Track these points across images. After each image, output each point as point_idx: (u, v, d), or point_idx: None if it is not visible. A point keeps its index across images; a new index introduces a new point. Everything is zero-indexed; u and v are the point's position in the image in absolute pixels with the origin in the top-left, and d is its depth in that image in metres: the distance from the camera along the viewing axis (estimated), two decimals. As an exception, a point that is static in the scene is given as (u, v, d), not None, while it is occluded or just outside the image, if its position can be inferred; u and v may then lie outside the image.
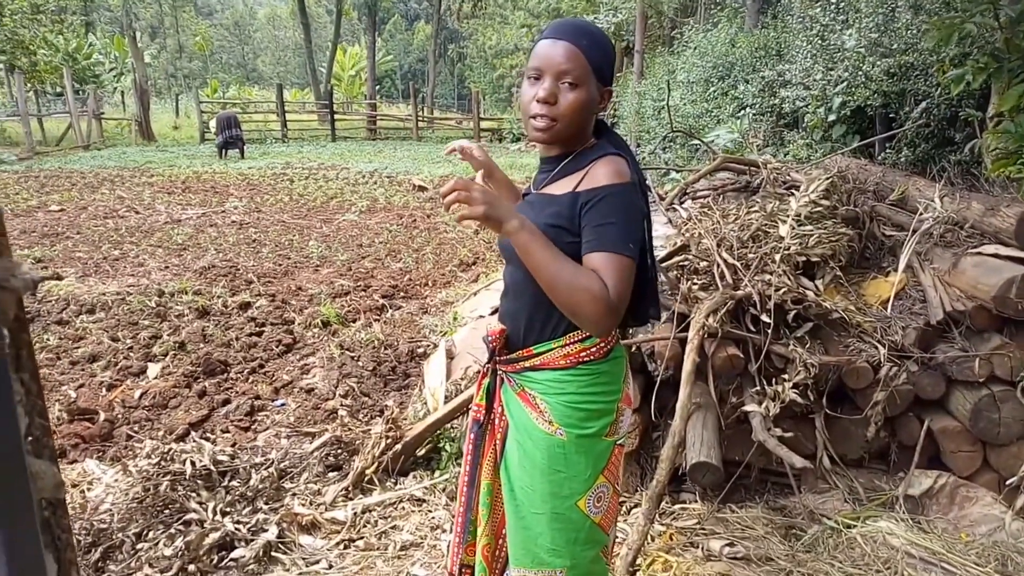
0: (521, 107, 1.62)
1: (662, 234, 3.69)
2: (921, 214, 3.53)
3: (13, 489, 0.40)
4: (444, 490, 3.08)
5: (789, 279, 3.04)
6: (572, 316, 1.47)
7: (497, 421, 1.74)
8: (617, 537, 2.60)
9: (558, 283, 1.42)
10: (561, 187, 1.59)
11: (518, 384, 1.68)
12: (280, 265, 7.09)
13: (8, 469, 0.40)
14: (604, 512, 1.69)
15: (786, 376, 2.81)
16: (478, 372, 1.80)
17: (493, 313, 4.59)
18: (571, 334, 1.60)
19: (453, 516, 2.85)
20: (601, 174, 1.52)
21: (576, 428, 1.60)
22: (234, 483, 2.94)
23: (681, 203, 4.29)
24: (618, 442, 1.70)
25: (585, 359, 1.60)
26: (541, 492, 1.63)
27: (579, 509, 1.63)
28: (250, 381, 4.34)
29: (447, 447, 3.29)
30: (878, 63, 5.43)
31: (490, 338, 1.69)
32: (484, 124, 26.24)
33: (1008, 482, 2.76)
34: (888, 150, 5.21)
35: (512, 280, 1.70)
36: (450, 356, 4.21)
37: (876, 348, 2.94)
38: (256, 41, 62.98)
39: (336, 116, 25.14)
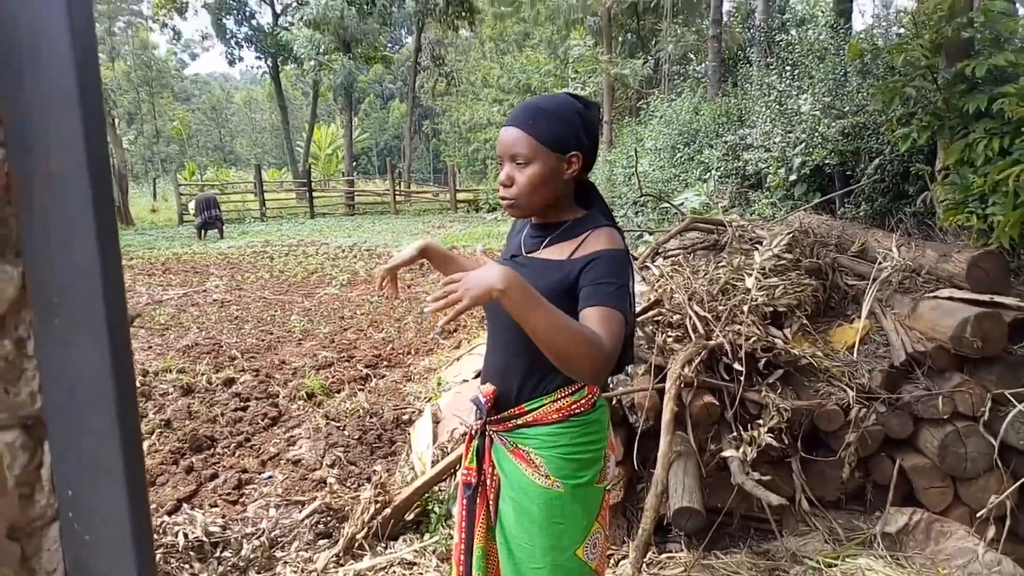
0: None
1: (636, 291, 3.84)
2: (880, 263, 3.73)
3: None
4: (435, 552, 3.11)
5: (758, 328, 3.19)
6: (567, 366, 1.46)
7: (488, 482, 1.78)
8: (607, 588, 2.65)
9: (558, 334, 1.42)
10: (555, 253, 1.68)
11: (511, 442, 1.73)
12: (263, 340, 7.14)
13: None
14: (599, 557, 1.74)
15: (761, 421, 2.93)
16: (464, 434, 1.85)
17: (476, 377, 4.68)
18: (561, 389, 1.68)
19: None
20: (598, 242, 1.63)
21: (571, 479, 1.67)
22: (226, 554, 2.96)
23: (653, 262, 4.47)
24: (606, 488, 1.79)
25: (576, 411, 1.68)
26: (541, 546, 1.67)
27: (578, 558, 1.69)
28: (237, 455, 4.36)
29: (436, 509, 3.33)
30: (833, 124, 5.75)
31: (483, 399, 1.73)
32: (460, 196, 26.71)
33: (978, 515, 2.86)
34: (847, 205, 5.47)
35: (502, 339, 1.76)
36: (436, 420, 4.28)
37: (845, 391, 3.07)
38: (233, 124, 64.05)
39: (314, 193, 25.47)
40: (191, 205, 19.57)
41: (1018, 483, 2.79)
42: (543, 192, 1.67)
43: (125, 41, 51.83)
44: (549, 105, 1.69)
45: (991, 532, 2.83)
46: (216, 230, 17.94)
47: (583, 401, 1.70)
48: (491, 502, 1.78)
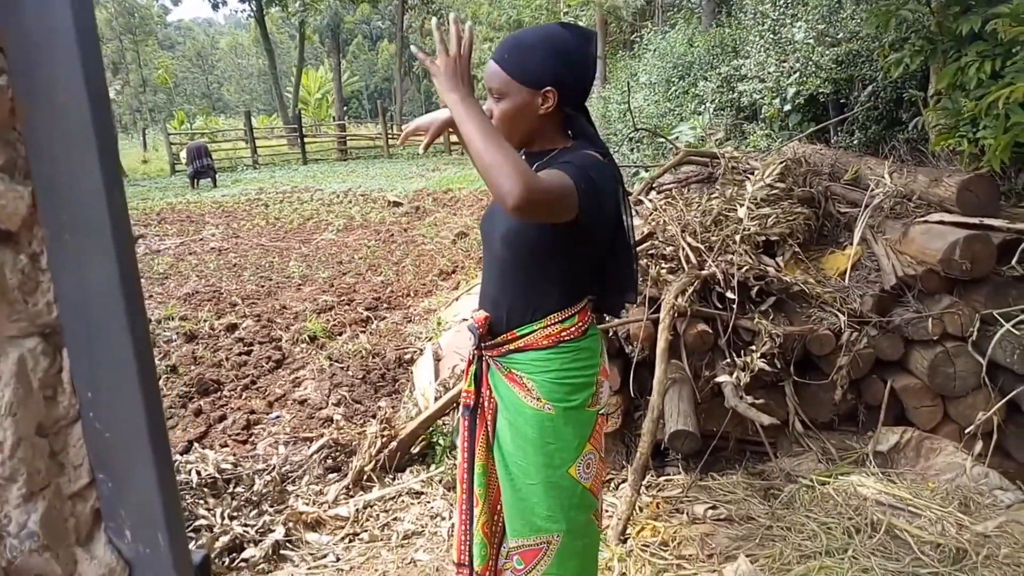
0: None
1: (632, 224, 3.87)
2: (872, 190, 3.74)
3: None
4: (441, 482, 3.21)
5: (750, 258, 3.23)
6: (489, 179, 1.45)
7: (486, 404, 1.85)
8: (607, 511, 2.76)
9: (487, 146, 1.45)
10: None
11: (504, 367, 1.79)
12: (263, 286, 7.19)
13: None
14: (593, 477, 1.82)
15: (754, 348, 2.99)
16: (464, 368, 1.93)
17: (475, 315, 4.74)
18: (551, 316, 1.73)
19: (453, 505, 3.00)
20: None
21: (562, 402, 1.74)
22: (239, 489, 3.06)
23: (647, 196, 4.48)
24: (600, 412, 1.85)
25: (565, 338, 1.74)
26: (535, 464, 1.75)
27: (570, 476, 1.76)
28: (244, 397, 4.45)
29: (440, 441, 3.43)
30: (826, 52, 5.68)
31: (475, 325, 1.80)
32: (454, 137, 26.43)
33: (967, 431, 2.95)
34: (841, 133, 5.44)
35: (494, 269, 1.81)
36: (437, 358, 4.36)
37: (837, 316, 3.13)
38: (219, 70, 62.91)
39: (306, 139, 25.17)
40: (183, 154, 19.40)
41: (1005, 399, 2.87)
42: (518, 126, 1.71)
43: (105, -13, 50.45)
44: (528, 39, 1.70)
45: (979, 447, 2.93)
46: (209, 179, 17.81)
47: (572, 328, 1.75)
48: (489, 423, 1.86)
